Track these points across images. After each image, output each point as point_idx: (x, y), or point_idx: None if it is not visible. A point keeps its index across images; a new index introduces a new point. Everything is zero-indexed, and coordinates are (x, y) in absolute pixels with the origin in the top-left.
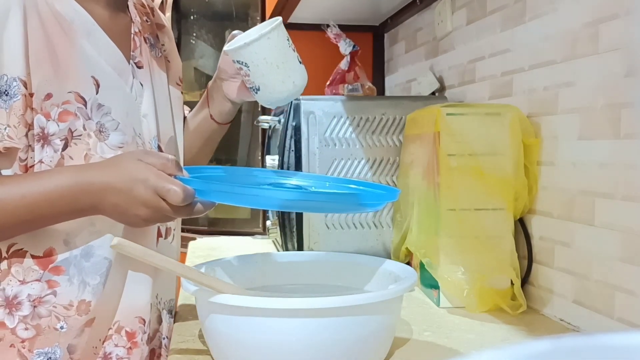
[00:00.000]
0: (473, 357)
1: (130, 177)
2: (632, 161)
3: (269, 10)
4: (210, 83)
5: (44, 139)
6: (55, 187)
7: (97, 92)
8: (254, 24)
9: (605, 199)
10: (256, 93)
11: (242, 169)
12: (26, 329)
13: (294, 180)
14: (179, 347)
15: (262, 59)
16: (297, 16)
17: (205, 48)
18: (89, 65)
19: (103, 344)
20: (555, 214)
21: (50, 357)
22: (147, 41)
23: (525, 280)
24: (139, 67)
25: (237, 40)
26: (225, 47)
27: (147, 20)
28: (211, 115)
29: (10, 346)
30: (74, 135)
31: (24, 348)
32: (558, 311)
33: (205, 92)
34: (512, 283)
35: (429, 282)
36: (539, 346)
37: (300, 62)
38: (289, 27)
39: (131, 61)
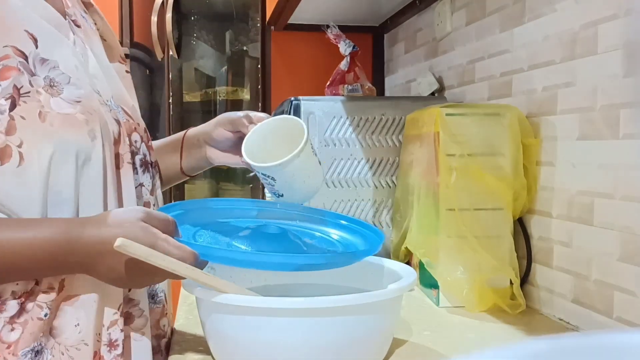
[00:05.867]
0: (473, 357)
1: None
2: (631, 161)
3: (269, 11)
4: (188, 133)
5: None
6: (46, 240)
7: (36, 47)
8: (254, 25)
9: (604, 199)
10: (277, 197)
11: (220, 201)
12: (12, 329)
13: (275, 217)
14: (179, 347)
15: (291, 175)
16: (297, 17)
17: (205, 49)
18: (20, 18)
19: (108, 330)
20: (555, 214)
21: (37, 350)
22: (79, 7)
23: (524, 279)
24: (77, 26)
25: (259, 149)
26: (247, 159)
27: None
28: (181, 168)
29: None
30: (21, 92)
31: (9, 354)
32: (557, 311)
33: (181, 140)
34: (511, 283)
35: (429, 282)
36: (539, 346)
37: (320, 163)
38: (289, 27)
39: (67, 18)
